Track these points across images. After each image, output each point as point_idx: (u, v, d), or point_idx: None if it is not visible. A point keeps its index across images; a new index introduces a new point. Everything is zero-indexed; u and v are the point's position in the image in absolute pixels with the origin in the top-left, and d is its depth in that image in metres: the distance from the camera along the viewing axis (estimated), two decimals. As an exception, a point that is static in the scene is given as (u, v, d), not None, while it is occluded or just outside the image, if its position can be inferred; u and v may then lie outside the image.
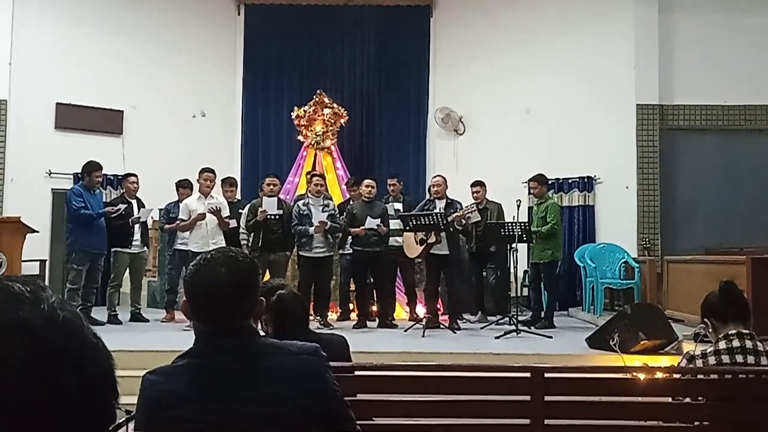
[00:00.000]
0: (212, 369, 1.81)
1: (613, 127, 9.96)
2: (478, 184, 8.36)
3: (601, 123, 9.99)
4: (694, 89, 9.82)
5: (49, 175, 9.72)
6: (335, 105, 9.80)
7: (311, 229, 7.51)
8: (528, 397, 2.75)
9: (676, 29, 9.92)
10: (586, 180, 10.25)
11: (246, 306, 1.86)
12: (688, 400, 2.86)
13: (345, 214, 7.87)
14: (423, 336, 6.92)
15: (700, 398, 2.84)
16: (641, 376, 2.82)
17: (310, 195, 7.88)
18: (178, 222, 7.83)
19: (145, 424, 1.77)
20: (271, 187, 7.84)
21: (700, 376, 2.88)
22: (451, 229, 7.52)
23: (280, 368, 1.81)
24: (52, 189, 9.74)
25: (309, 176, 8.40)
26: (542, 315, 7.93)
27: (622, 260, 9.12)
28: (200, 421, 1.72)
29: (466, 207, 7.71)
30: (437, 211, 7.49)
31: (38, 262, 8.70)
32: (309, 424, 1.77)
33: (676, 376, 2.90)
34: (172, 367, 1.86)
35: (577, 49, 10.29)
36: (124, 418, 0.64)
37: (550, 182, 10.10)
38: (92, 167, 7.65)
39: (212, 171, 7.89)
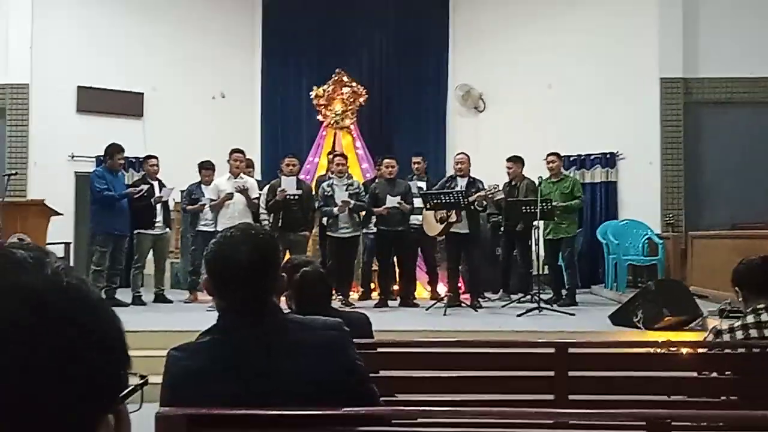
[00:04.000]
0: (234, 345, 1.81)
1: (637, 101, 9.81)
2: (512, 159, 8.17)
3: (624, 98, 9.84)
4: (719, 62, 9.62)
5: (72, 158, 9.80)
6: (354, 84, 9.75)
7: (335, 210, 7.53)
8: (552, 373, 2.73)
9: (701, 1, 9.71)
10: (608, 156, 10.13)
11: (267, 282, 1.85)
12: (715, 374, 2.82)
13: (368, 193, 7.87)
14: (444, 314, 6.92)
15: (727, 373, 2.81)
16: (667, 350, 2.79)
17: (333, 175, 7.89)
18: (202, 203, 7.89)
19: (170, 399, 1.78)
20: (291, 167, 7.85)
21: (727, 351, 2.84)
22: (473, 208, 7.46)
23: (303, 343, 1.81)
24: (75, 172, 9.83)
25: (331, 157, 8.39)
26: (564, 292, 7.89)
27: (646, 236, 9.03)
28: (224, 396, 1.73)
29: (489, 186, 7.65)
30: (458, 189, 7.44)
31: (63, 245, 8.80)
32: (332, 399, 1.76)
33: (702, 350, 2.87)
34: (196, 344, 1.87)
35: (598, 22, 10.12)
36: (138, 383, 0.63)
37: (571, 159, 10.08)
38: (115, 149, 7.71)
39: (242, 152, 7.96)
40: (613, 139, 9.98)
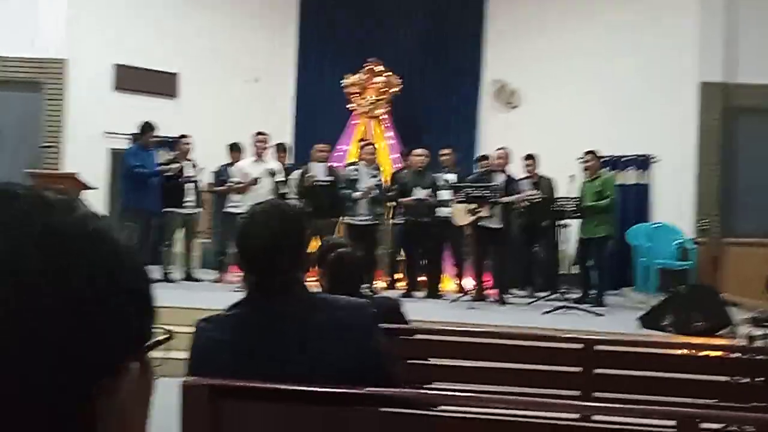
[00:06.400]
0: (258, 320, 1.81)
1: (674, 104, 9.62)
2: (531, 157, 8.27)
3: (661, 100, 9.66)
4: (759, 67, 9.39)
5: (107, 135, 9.90)
6: (388, 73, 9.70)
7: (356, 194, 7.51)
8: (579, 369, 2.68)
9: (743, 4, 9.49)
10: (642, 158, 9.97)
11: (293, 258, 1.85)
12: (747, 380, 2.75)
13: (396, 182, 7.85)
14: (470, 308, 6.88)
15: (759, 378, 2.74)
16: (698, 353, 2.73)
17: (361, 162, 7.88)
18: (229, 184, 7.93)
19: (194, 369, 1.78)
20: (321, 153, 7.86)
21: (761, 357, 2.77)
22: (513, 208, 7.45)
23: (328, 321, 1.80)
24: (109, 149, 9.93)
25: (362, 144, 8.39)
26: (592, 293, 7.79)
27: (678, 241, 8.87)
28: (245, 371, 1.72)
29: (531, 191, 7.61)
30: (495, 184, 7.38)
31: (94, 220, 8.89)
32: (355, 377, 1.75)
33: (735, 355, 2.80)
34: (223, 316, 1.88)
35: (637, 23, 9.95)
36: (162, 337, 0.62)
37: (604, 159, 9.94)
38: (147, 127, 7.79)
39: (265, 134, 7.98)
40: (647, 141, 9.82)
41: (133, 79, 10.05)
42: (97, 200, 8.75)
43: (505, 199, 7.29)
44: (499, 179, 7.56)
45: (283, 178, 7.79)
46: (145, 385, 0.58)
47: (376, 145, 8.33)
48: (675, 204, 9.56)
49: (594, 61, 10.17)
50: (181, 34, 10.40)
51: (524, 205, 7.48)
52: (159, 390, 0.64)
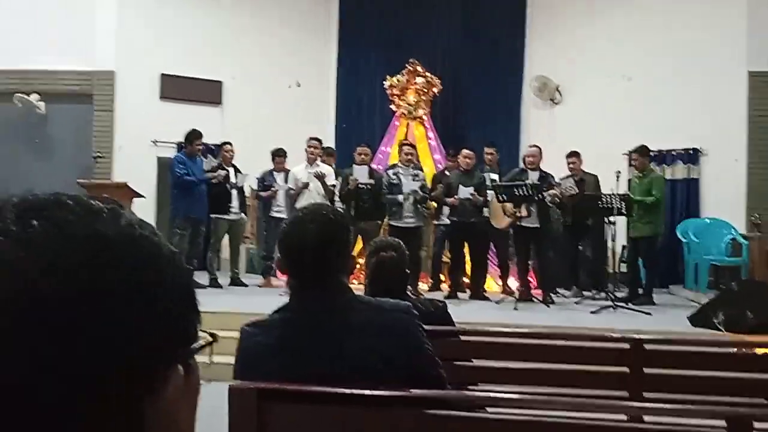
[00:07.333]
0: (303, 323, 1.83)
1: (722, 95, 9.39)
2: (574, 154, 8.14)
3: (709, 91, 9.44)
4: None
5: (155, 143, 10.12)
6: (428, 74, 9.69)
7: (400, 197, 7.52)
8: (627, 369, 2.65)
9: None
10: (691, 152, 9.75)
11: (336, 261, 1.86)
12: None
13: (441, 183, 7.84)
14: (515, 309, 6.83)
15: (816, 377, 2.66)
16: (750, 351, 2.66)
17: (400, 164, 7.88)
18: (274, 189, 8.05)
19: (241, 373, 1.81)
20: (362, 156, 7.90)
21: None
22: (549, 204, 7.37)
23: (371, 324, 1.81)
24: (157, 157, 10.14)
25: (400, 146, 8.41)
26: (641, 291, 7.65)
27: (729, 236, 8.65)
28: (290, 373, 1.75)
29: (564, 183, 7.51)
30: (531, 182, 7.31)
31: (144, 227, 9.08)
32: (398, 380, 1.76)
33: (789, 352, 2.72)
34: (268, 320, 1.91)
35: (683, 12, 9.74)
36: (207, 341, 0.64)
37: (652, 154, 9.75)
38: (194, 135, 7.94)
39: (318, 140, 8.10)
40: (695, 134, 9.60)
41: (178, 88, 10.25)
42: (146, 208, 8.96)
43: (547, 195, 7.19)
44: (533, 177, 7.49)
45: (335, 182, 7.86)
46: (191, 389, 0.59)
47: (415, 146, 8.32)
48: (725, 198, 9.33)
49: (639, 53, 9.99)
50: (224, 43, 10.57)
51: (556, 201, 7.39)
52: (206, 394, 0.65)
